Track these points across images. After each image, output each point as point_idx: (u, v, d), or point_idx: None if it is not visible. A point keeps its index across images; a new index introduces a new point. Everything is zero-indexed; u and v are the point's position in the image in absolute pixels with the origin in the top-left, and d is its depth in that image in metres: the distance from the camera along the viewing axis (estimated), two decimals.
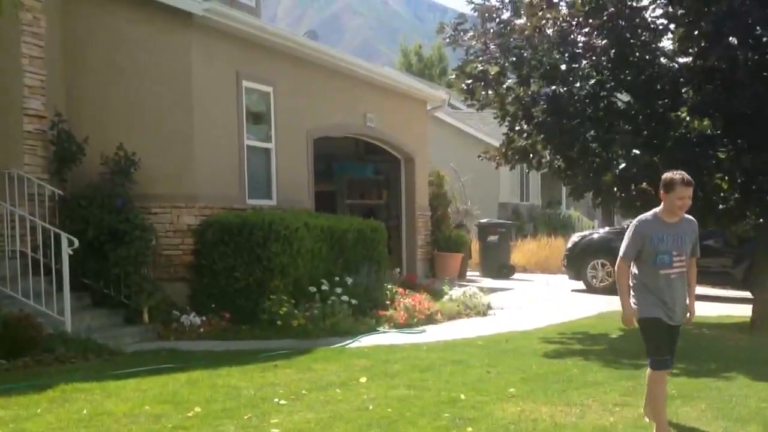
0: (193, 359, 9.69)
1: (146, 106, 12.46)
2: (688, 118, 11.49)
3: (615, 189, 12.18)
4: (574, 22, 12.27)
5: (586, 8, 12.01)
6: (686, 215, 6.49)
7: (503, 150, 13.46)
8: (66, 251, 10.58)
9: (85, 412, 7.15)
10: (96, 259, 11.39)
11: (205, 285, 12.16)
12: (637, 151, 11.46)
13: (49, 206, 11.68)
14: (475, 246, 22.35)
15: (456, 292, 14.53)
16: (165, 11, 12.34)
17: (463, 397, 7.66)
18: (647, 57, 11.99)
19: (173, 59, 12.49)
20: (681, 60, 12.32)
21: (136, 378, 8.58)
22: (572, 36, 12.25)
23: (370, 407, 7.28)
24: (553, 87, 12.27)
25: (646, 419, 6.66)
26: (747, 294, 14.15)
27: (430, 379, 8.51)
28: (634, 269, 6.44)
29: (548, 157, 13.09)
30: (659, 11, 12.20)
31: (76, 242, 10.68)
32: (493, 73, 12.60)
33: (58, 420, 6.90)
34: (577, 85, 12.18)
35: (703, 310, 14.62)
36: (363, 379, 8.45)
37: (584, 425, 6.67)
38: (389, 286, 13.85)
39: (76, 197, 11.77)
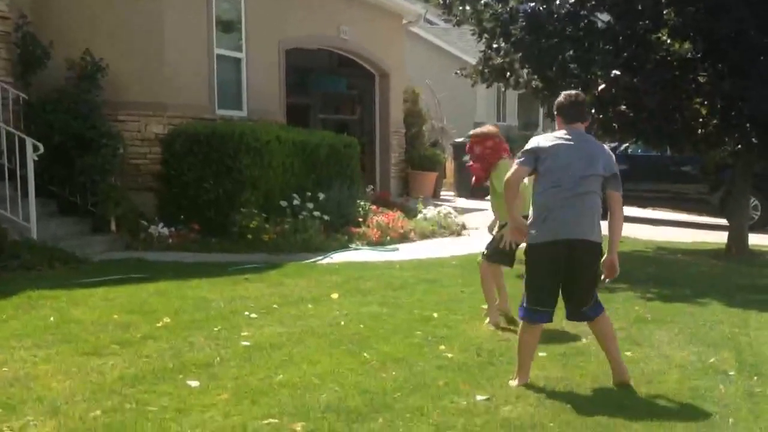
0: (161, 270, 9.59)
1: (114, 11, 12.17)
2: (669, 40, 11.30)
3: (593, 110, 12.03)
4: None
5: None
6: None
7: (480, 68, 13.22)
8: (31, 156, 10.33)
9: (52, 319, 7.06)
10: (62, 166, 11.16)
11: (173, 196, 11.97)
12: (617, 72, 11.29)
13: (14, 110, 11.36)
14: (449, 165, 22.20)
15: (430, 212, 14.44)
16: None
17: (436, 315, 7.61)
18: None
19: None
20: None
21: (103, 287, 8.49)
22: None
23: (342, 323, 7.21)
24: (532, 4, 12.01)
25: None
26: (723, 221, 14.18)
27: (403, 297, 8.46)
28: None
29: (526, 77, 12.89)
30: None
31: (41, 147, 10.43)
32: None
33: (24, 326, 6.81)
34: (557, 2, 11.92)
35: (680, 236, 14.72)
36: (335, 296, 8.38)
37: (555, 347, 6.61)
38: (362, 203, 13.71)
39: (42, 102, 11.47)
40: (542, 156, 5.54)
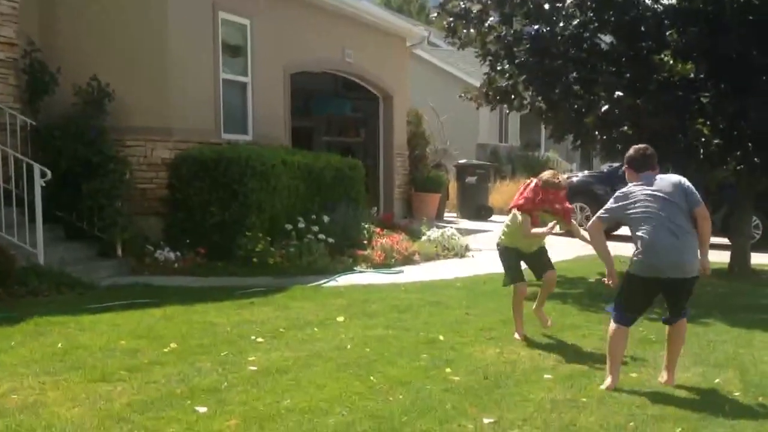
0: (167, 295, 9.61)
1: (121, 37, 12.15)
2: (671, 62, 11.38)
3: (596, 132, 12.10)
4: None
5: None
6: None
7: (484, 90, 13.30)
8: (39, 182, 10.37)
9: (60, 345, 7.08)
10: (69, 192, 11.17)
11: (179, 220, 12.00)
12: (620, 93, 11.36)
13: (21, 137, 11.39)
14: (453, 187, 22.24)
15: (434, 233, 14.45)
16: None
17: (441, 338, 7.64)
18: None
19: None
20: (666, 1, 12.15)
21: (110, 312, 8.51)
22: None
23: (349, 347, 7.24)
24: (536, 26, 12.10)
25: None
26: (725, 240, 14.17)
27: (408, 320, 8.49)
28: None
29: (529, 99, 12.96)
30: None
31: (49, 174, 10.47)
32: (475, 10, 12.42)
33: (32, 353, 6.82)
34: (561, 24, 11.99)
35: None
36: (341, 319, 8.41)
37: (562, 368, 6.67)
38: (366, 226, 13.72)
39: (49, 128, 11.52)
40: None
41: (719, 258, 13.34)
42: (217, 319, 8.32)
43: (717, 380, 6.33)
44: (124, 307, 8.80)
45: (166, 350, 6.96)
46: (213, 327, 7.94)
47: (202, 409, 5.36)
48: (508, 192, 23.75)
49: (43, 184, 10.42)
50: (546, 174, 7.79)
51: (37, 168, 10.41)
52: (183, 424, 5.08)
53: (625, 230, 14.14)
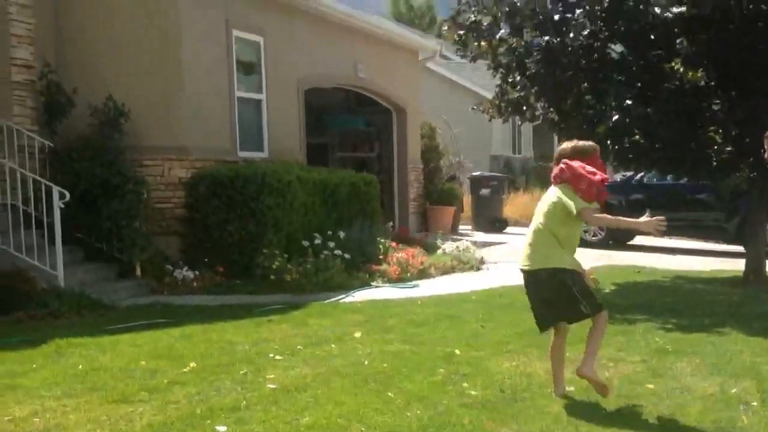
0: (186, 314, 9.70)
1: (136, 56, 12.28)
2: (681, 69, 11.40)
3: (608, 141, 12.12)
4: None
5: None
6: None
7: (496, 102, 13.36)
8: (58, 204, 10.47)
9: (80, 367, 7.15)
10: (88, 213, 11.28)
11: (197, 239, 12.10)
12: (630, 102, 11.39)
13: (40, 159, 11.53)
14: (467, 199, 22.26)
15: (449, 246, 14.51)
16: None
17: (458, 352, 7.67)
18: (641, 6, 11.84)
19: (163, 7, 12.32)
20: (675, 9, 12.16)
21: (130, 333, 8.59)
22: None
23: (366, 362, 7.28)
24: (547, 38, 12.15)
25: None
26: (740, 248, 14.13)
27: (424, 334, 8.52)
28: None
29: (541, 110, 13.00)
30: None
31: (68, 195, 10.56)
32: (485, 23, 12.48)
33: (54, 375, 6.89)
34: (571, 35, 12.02)
35: (696, 265, 14.70)
36: (358, 334, 8.46)
37: (579, 381, 6.61)
38: (382, 240, 13.79)
39: (67, 149, 11.65)
40: None
41: (735, 266, 13.37)
42: (236, 337, 8.39)
43: (734, 390, 6.31)
44: (143, 327, 8.88)
45: (185, 370, 7.02)
46: (232, 345, 8.01)
47: (222, 429, 5.40)
48: (523, 204, 23.77)
49: (62, 206, 10.51)
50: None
51: (55, 190, 10.50)
52: None
53: (642, 239, 14.11)
